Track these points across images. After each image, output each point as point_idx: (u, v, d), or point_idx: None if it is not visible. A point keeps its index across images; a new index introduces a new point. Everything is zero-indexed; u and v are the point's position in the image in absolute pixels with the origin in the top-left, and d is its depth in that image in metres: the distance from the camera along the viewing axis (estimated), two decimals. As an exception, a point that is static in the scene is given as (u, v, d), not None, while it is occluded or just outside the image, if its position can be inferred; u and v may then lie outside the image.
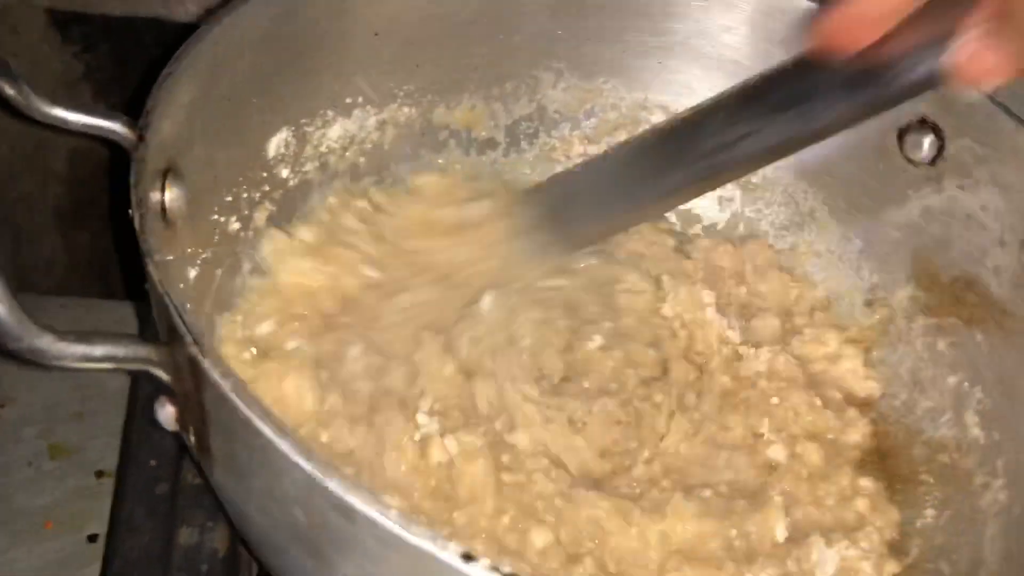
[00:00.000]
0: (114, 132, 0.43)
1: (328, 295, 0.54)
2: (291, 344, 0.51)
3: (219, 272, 0.53)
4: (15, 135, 0.88)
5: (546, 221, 0.55)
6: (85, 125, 0.42)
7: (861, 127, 0.62)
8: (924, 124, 0.60)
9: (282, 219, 0.57)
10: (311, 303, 0.53)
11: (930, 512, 0.56)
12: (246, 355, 0.51)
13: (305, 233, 0.57)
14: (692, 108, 0.55)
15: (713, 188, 0.61)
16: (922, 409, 0.60)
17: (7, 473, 0.83)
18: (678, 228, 0.67)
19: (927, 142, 0.60)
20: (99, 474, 0.84)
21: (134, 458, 0.59)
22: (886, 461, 0.59)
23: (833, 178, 0.65)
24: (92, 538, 0.79)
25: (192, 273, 0.50)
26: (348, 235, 0.57)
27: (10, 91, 0.39)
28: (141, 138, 0.40)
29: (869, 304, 0.64)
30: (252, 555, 0.51)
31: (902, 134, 0.61)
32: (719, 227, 0.68)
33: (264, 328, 0.51)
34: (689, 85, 0.65)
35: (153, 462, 0.58)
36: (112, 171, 0.88)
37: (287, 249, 0.55)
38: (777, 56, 0.63)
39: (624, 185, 0.54)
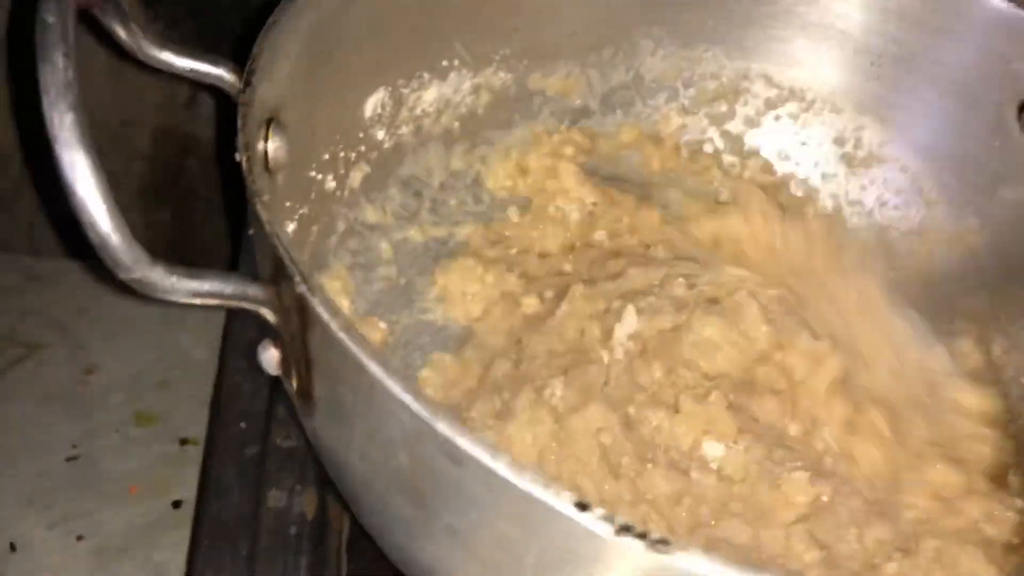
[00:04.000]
0: (220, 78, 0.43)
1: None
2: None
3: (315, 229, 0.52)
4: (101, 114, 0.89)
5: None
6: (192, 70, 0.42)
7: (975, 99, 0.60)
8: (1047, 97, 0.57)
9: (377, 182, 0.57)
10: None
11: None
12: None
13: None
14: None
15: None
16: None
17: (95, 438, 0.84)
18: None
19: (1049, 116, 0.57)
20: (183, 441, 0.84)
21: (223, 420, 0.58)
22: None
23: (944, 154, 0.62)
24: (176, 504, 0.80)
25: (290, 227, 0.49)
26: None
27: (122, 34, 0.39)
28: (248, 83, 0.40)
29: (982, 286, 0.61)
30: (345, 510, 0.51)
31: (1022, 107, 0.58)
32: (820, 204, 0.65)
33: None
34: (794, 55, 0.63)
35: (243, 424, 0.58)
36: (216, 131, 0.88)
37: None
38: (891, 28, 0.61)
39: None
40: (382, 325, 0.54)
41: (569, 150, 0.63)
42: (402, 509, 0.35)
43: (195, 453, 0.83)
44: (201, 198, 0.96)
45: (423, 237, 0.59)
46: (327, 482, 0.55)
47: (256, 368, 0.62)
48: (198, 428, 0.83)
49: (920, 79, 0.61)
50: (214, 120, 0.90)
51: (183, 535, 0.75)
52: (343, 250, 0.55)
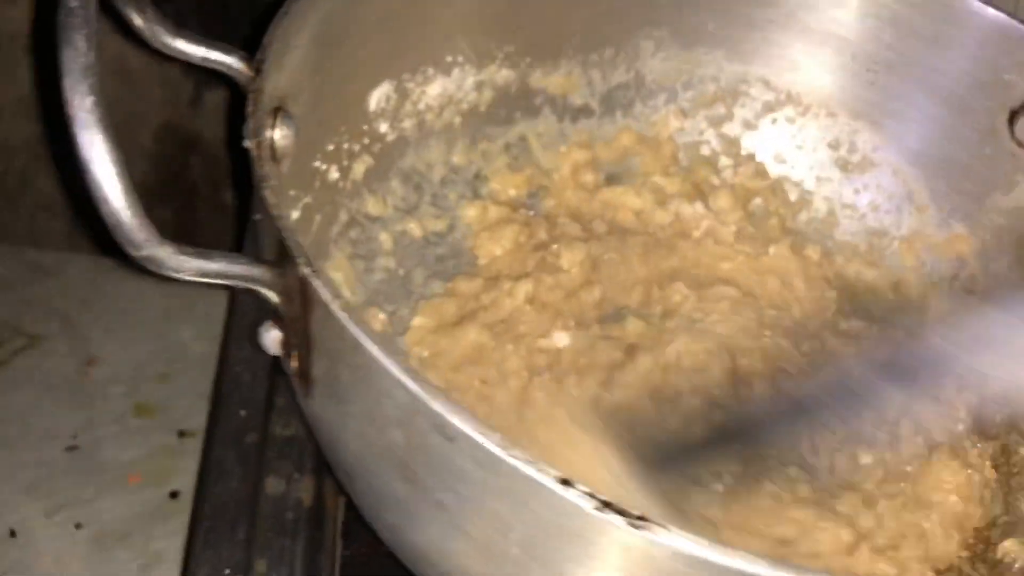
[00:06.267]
0: (231, 67, 0.44)
1: None
2: None
3: (318, 218, 0.53)
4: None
5: None
6: (204, 58, 0.43)
7: (968, 107, 0.61)
8: (1039, 105, 0.58)
9: (379, 174, 0.58)
10: None
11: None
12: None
13: None
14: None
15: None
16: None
17: (95, 428, 0.85)
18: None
19: (1041, 125, 0.58)
20: (181, 434, 0.85)
21: (224, 408, 0.59)
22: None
23: (936, 161, 0.63)
24: (174, 494, 0.80)
25: (294, 216, 0.50)
26: None
27: (139, 21, 0.40)
28: (259, 70, 0.41)
29: (969, 292, 0.62)
30: (341, 494, 0.51)
31: (1013, 116, 0.59)
32: (815, 206, 0.66)
33: None
34: (792, 60, 0.64)
35: (243, 412, 0.59)
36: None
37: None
38: (886, 36, 0.62)
39: None
40: (381, 316, 0.55)
41: (587, 174, 0.65)
42: (395, 487, 0.36)
43: (193, 445, 0.84)
44: (204, 196, 0.97)
45: (422, 231, 0.60)
46: (324, 470, 0.55)
47: (257, 358, 0.63)
48: (197, 420, 0.84)
49: (913, 86, 0.62)
50: (221, 116, 0.91)
51: (180, 524, 0.76)
52: (344, 240, 0.56)
